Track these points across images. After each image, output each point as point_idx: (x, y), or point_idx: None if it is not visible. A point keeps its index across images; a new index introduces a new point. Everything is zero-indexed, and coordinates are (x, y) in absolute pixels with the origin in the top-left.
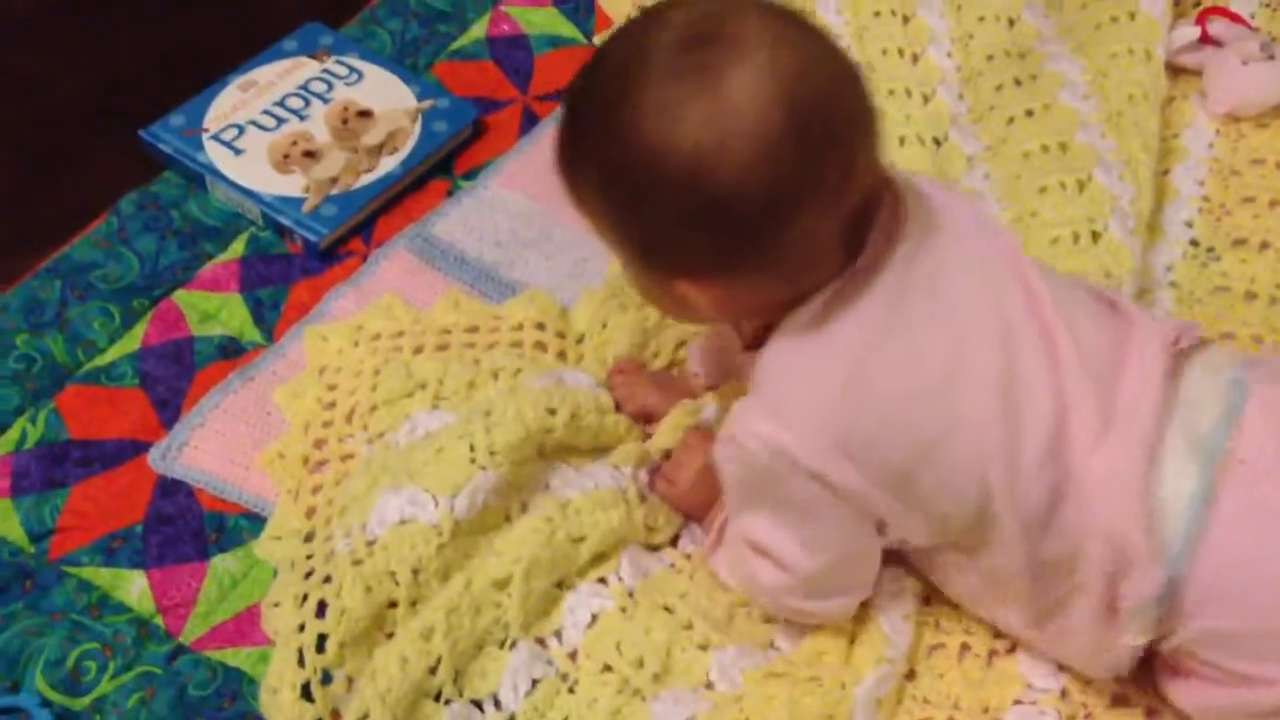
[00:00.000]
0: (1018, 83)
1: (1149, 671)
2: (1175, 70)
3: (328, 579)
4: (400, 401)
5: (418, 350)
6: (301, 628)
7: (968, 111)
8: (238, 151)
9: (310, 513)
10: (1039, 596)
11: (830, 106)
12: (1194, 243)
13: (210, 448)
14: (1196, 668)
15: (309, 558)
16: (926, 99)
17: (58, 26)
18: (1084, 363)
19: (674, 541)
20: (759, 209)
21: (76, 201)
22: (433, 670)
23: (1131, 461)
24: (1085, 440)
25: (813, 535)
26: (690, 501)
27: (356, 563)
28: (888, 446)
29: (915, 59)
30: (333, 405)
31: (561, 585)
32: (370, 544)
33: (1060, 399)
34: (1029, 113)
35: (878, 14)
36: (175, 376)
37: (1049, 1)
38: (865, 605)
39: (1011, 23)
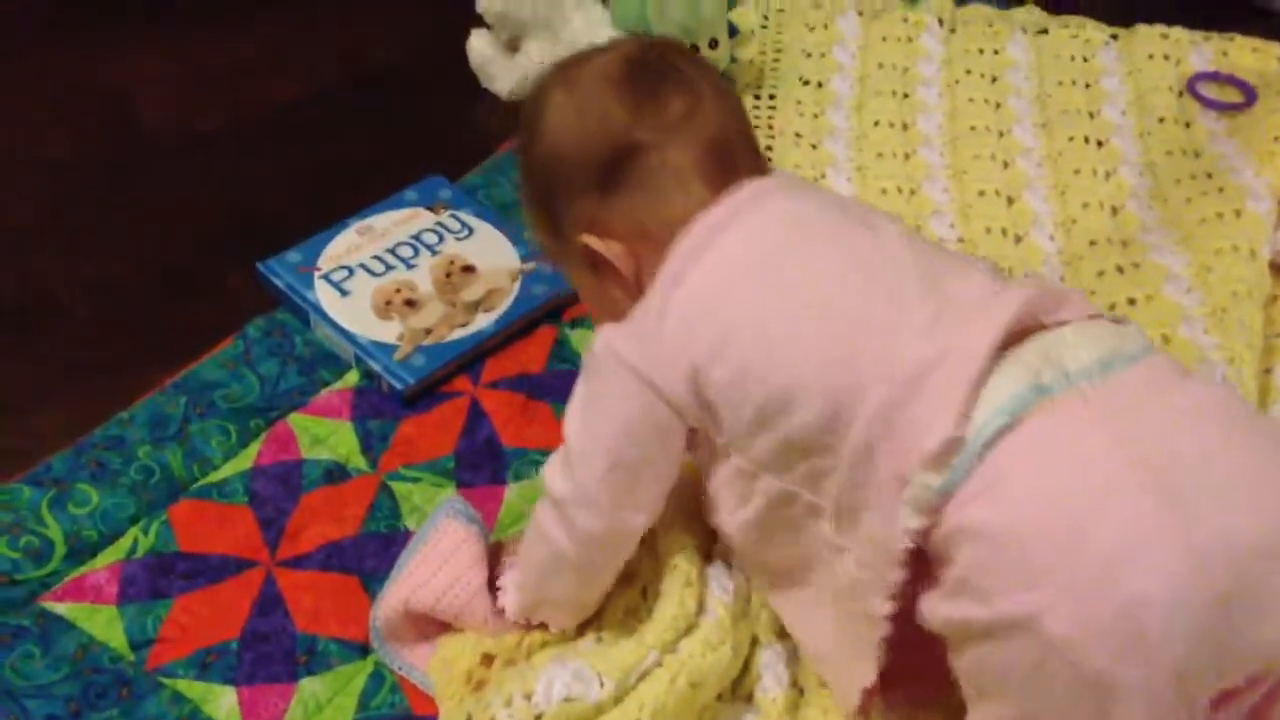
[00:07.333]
0: (1120, 270)
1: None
2: (1278, 269)
3: None
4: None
5: None
6: None
7: None
8: (344, 293)
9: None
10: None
11: (664, 58)
12: None
13: None
14: (942, 575)
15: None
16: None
17: (197, 157)
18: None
19: None
20: (621, 134)
21: (202, 323)
22: None
23: (961, 362)
24: (913, 330)
25: (608, 430)
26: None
27: None
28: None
29: (1018, 240)
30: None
31: None
32: (538, 718)
33: (896, 308)
34: (1131, 301)
35: (982, 193)
36: (282, 497)
37: (1153, 194)
38: None
39: (1115, 211)
